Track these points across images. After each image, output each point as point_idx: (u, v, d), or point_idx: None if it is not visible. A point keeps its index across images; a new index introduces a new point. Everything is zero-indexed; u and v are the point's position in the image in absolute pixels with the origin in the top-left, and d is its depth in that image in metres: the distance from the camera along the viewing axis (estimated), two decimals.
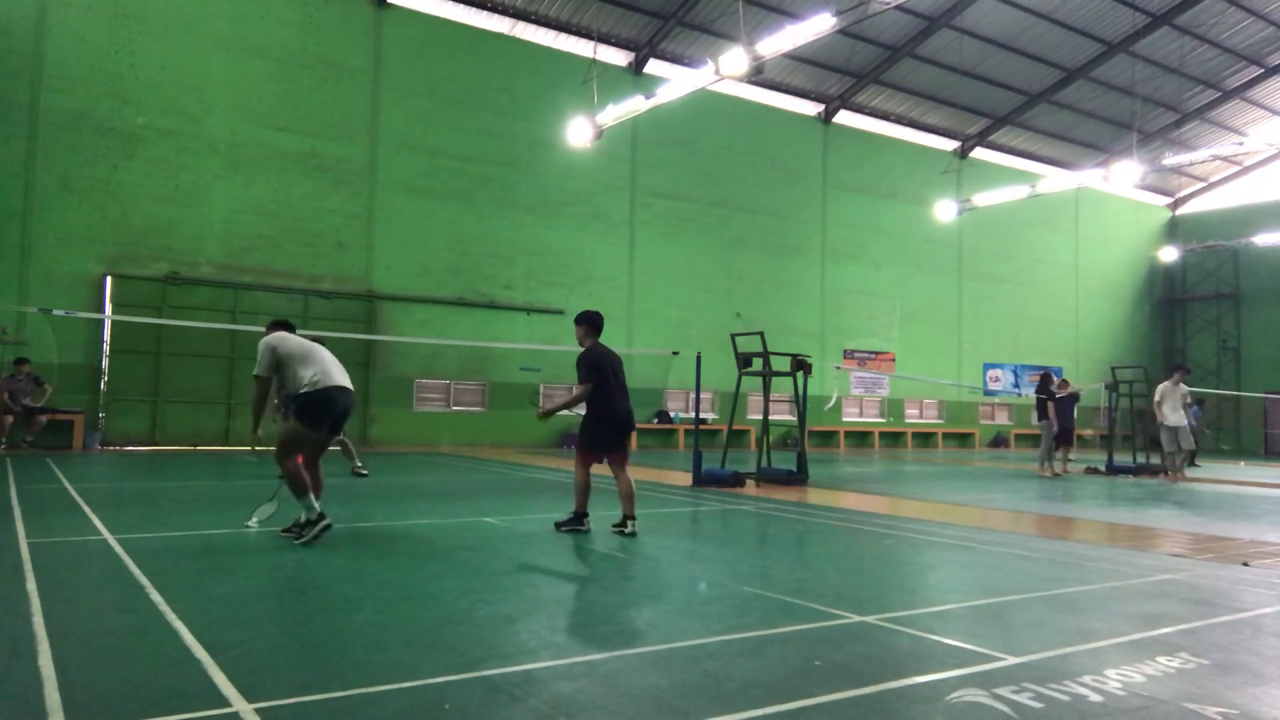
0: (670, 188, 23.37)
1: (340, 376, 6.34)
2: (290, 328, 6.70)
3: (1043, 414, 15.70)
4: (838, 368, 21.56)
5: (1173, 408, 14.72)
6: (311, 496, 6.12)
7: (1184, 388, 15.06)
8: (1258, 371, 31.56)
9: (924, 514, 9.01)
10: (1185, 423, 14.89)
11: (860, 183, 26.89)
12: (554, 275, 21.47)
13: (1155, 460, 16.62)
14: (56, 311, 14.34)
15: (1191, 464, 17.01)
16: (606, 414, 6.93)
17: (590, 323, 7.14)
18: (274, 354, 6.22)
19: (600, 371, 6.91)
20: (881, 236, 27.31)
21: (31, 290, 15.80)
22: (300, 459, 6.27)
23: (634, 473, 7.38)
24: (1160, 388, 15.17)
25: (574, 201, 21.85)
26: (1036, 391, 16.04)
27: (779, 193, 25.29)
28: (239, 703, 2.88)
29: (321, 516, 6.07)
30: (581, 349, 7.12)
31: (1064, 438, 16.43)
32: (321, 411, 6.15)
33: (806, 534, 7.66)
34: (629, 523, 6.98)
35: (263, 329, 7.02)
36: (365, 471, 11.66)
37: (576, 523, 7.02)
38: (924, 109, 27.39)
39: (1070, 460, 17.19)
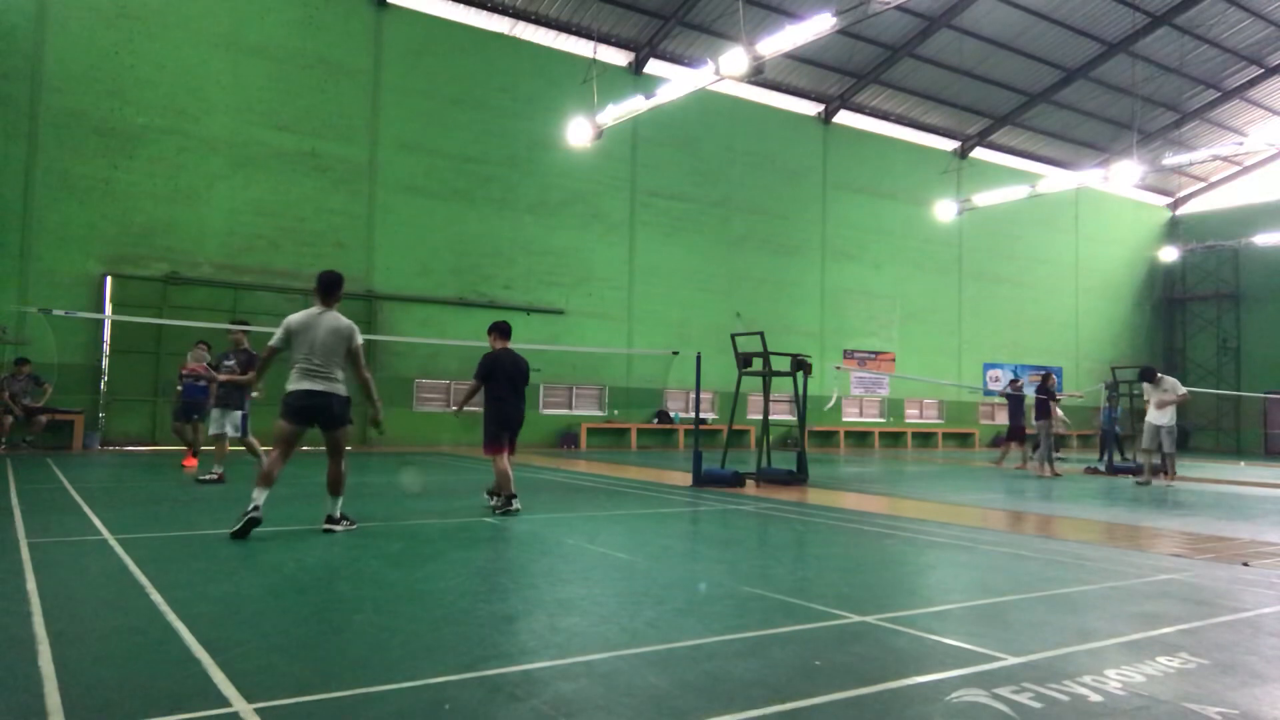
0: (670, 188, 23.36)
1: (307, 380, 6.44)
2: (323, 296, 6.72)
3: (1041, 414, 15.75)
4: (838, 368, 21.52)
5: (1158, 404, 14.05)
6: (258, 490, 6.27)
7: (1168, 380, 13.88)
8: (1258, 371, 31.56)
9: (924, 514, 9.01)
10: (1171, 421, 13.76)
11: (860, 183, 26.88)
12: (554, 275, 21.47)
13: (1155, 460, 16.60)
14: (56, 311, 14.32)
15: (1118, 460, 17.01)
16: (496, 413, 8.09)
17: (499, 331, 8.27)
18: (285, 329, 6.59)
19: (491, 375, 8.00)
20: (881, 236, 27.31)
21: (31, 290, 15.80)
22: (276, 452, 6.50)
23: (634, 473, 7.41)
24: (1145, 388, 14.53)
25: (574, 201, 21.84)
26: (1036, 392, 16.11)
27: (779, 193, 25.29)
28: (239, 703, 2.88)
29: (255, 509, 6.18)
30: (491, 350, 8.15)
31: (1013, 435, 16.97)
32: (289, 407, 6.48)
33: (807, 534, 7.66)
34: (493, 497, 8.19)
35: (263, 328, 7.07)
36: (211, 478, 9.97)
37: (507, 505, 8.00)
38: (924, 109, 27.39)
39: (1009, 457, 17.95)
